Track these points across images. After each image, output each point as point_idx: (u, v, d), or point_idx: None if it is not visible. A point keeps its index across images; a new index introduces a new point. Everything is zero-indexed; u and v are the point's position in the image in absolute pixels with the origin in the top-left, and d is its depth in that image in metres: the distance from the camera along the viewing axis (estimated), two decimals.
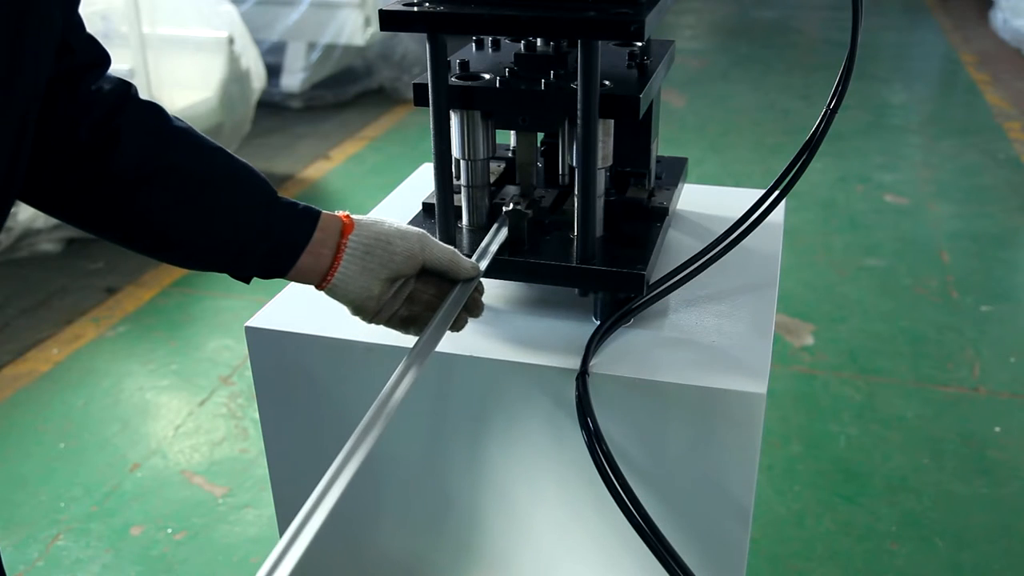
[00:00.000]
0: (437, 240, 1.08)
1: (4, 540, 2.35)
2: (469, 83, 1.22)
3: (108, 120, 0.93)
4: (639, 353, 1.17)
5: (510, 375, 1.16)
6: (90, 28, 0.94)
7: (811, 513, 2.39)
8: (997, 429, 2.69)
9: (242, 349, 3.03)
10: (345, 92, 5.80)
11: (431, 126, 1.22)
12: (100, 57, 0.95)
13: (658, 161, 1.51)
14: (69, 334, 3.26)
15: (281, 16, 5.47)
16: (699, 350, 1.17)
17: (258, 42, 4.76)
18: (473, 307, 1.11)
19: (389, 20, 1.15)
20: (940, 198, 4.29)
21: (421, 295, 1.08)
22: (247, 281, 1.04)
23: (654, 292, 1.22)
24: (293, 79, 5.52)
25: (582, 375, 1.12)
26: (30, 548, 2.33)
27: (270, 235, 0.99)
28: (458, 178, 1.30)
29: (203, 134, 1.01)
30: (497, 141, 1.32)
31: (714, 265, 1.26)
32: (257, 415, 1.35)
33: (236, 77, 4.34)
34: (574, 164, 1.18)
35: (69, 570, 2.27)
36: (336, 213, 1.04)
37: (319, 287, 1.04)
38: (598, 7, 1.09)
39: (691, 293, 1.29)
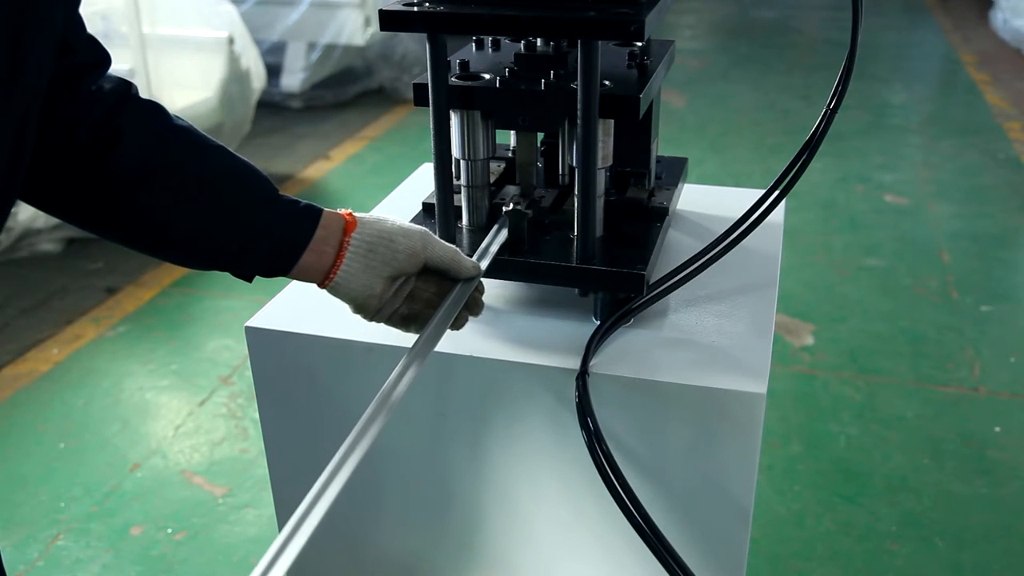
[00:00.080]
0: (439, 238, 1.08)
1: (4, 540, 2.35)
2: (469, 83, 1.22)
3: (109, 119, 0.93)
4: (639, 353, 1.17)
5: (510, 375, 1.16)
6: (90, 28, 0.94)
7: (811, 513, 2.39)
8: (997, 429, 2.69)
9: (242, 349, 3.03)
10: (345, 92, 5.80)
11: (431, 126, 1.22)
12: (101, 57, 0.95)
13: (658, 161, 1.51)
14: (69, 334, 3.26)
15: (281, 16, 5.47)
16: (699, 350, 1.17)
17: (258, 42, 4.76)
18: (473, 306, 1.11)
19: (389, 20, 1.15)
20: (940, 198, 4.29)
21: (422, 293, 1.08)
22: (249, 280, 1.04)
23: (654, 292, 1.22)
24: (293, 79, 5.52)
25: (582, 375, 1.12)
26: (30, 548, 2.33)
27: (272, 233, 0.99)
28: (458, 178, 1.30)
29: (204, 133, 1.01)
30: (497, 141, 1.32)
31: (714, 265, 1.26)
32: (257, 415, 1.35)
33: (236, 77, 4.34)
34: (574, 164, 1.18)
35: (69, 570, 2.27)
36: (338, 211, 1.04)
37: (321, 285, 1.04)
38: (598, 7, 1.09)
39: (691, 293, 1.29)
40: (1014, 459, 2.56)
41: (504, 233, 1.23)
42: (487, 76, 1.25)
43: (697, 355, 1.16)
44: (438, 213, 1.28)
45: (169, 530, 2.39)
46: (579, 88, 1.12)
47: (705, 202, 1.57)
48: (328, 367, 1.24)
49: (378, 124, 5.45)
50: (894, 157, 4.80)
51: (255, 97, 4.58)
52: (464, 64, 1.27)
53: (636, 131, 1.36)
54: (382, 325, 1.10)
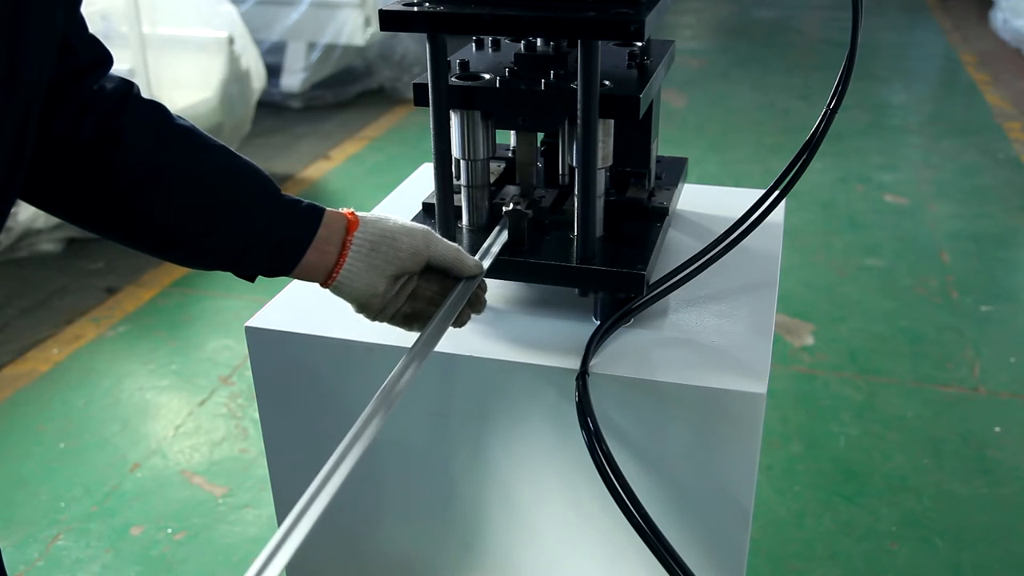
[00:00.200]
0: (441, 237, 1.08)
1: (4, 540, 2.35)
2: (469, 83, 1.22)
3: (111, 120, 0.93)
4: (639, 353, 1.17)
5: (510, 375, 1.16)
6: (90, 28, 0.94)
7: (811, 513, 2.39)
8: (997, 429, 2.69)
9: (242, 349, 3.03)
10: (345, 92, 5.80)
11: (431, 126, 1.22)
12: (102, 57, 0.95)
13: (658, 161, 1.51)
14: (69, 334, 3.26)
15: (281, 16, 5.47)
16: (699, 350, 1.17)
17: (258, 42, 4.76)
18: (476, 303, 1.11)
19: (389, 20, 1.15)
20: (940, 198, 4.29)
21: (424, 292, 1.08)
22: (252, 279, 1.04)
23: (654, 292, 1.22)
24: (293, 79, 5.52)
25: (582, 375, 1.12)
26: (30, 548, 2.33)
27: (274, 233, 0.99)
28: (458, 178, 1.30)
29: (206, 132, 1.01)
30: (497, 141, 1.32)
31: (714, 265, 1.26)
32: (257, 415, 1.35)
33: (236, 77, 4.34)
34: (574, 164, 1.18)
35: (69, 570, 2.28)
36: (340, 210, 1.04)
37: (324, 285, 1.04)
38: (598, 7, 1.09)
39: (691, 293, 1.29)
40: (1014, 459, 2.56)
41: (504, 235, 1.23)
42: (487, 76, 1.25)
43: (697, 355, 1.16)
44: (438, 213, 1.28)
45: (169, 530, 2.39)
46: (579, 88, 1.12)
47: (705, 202, 1.57)
48: (328, 367, 1.24)
49: (378, 124, 5.45)
50: (894, 157, 4.80)
51: (255, 97, 4.58)
52: (464, 64, 1.27)
53: (636, 131, 1.36)
54: (382, 325, 1.10)
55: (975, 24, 7.49)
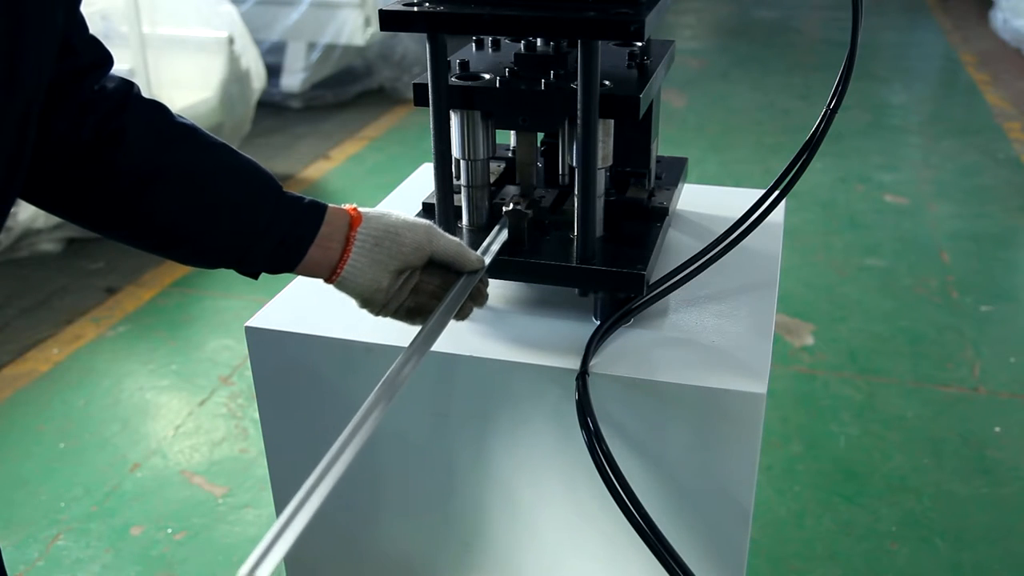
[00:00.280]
0: (443, 232, 1.09)
1: (4, 540, 2.35)
2: (469, 83, 1.22)
3: (111, 119, 0.93)
4: (639, 353, 1.17)
5: (510, 375, 1.16)
6: (90, 28, 0.95)
7: (811, 513, 2.39)
8: (997, 429, 2.69)
9: (242, 349, 3.03)
10: (345, 92, 5.80)
11: (431, 126, 1.22)
12: (103, 57, 0.95)
13: (658, 161, 1.51)
14: (69, 334, 3.26)
15: (281, 16, 5.47)
16: (699, 350, 1.17)
17: (258, 42, 4.76)
18: (478, 296, 1.11)
19: (389, 20, 1.15)
20: (940, 198, 4.29)
21: (427, 286, 1.09)
22: (255, 277, 1.04)
23: (654, 292, 1.22)
24: (293, 79, 5.52)
25: (582, 375, 1.12)
26: (30, 548, 2.33)
27: (276, 231, 1.00)
28: (458, 178, 1.30)
29: (207, 131, 1.01)
30: (497, 141, 1.32)
31: (714, 265, 1.26)
32: (257, 415, 1.35)
33: (236, 77, 4.34)
34: (574, 164, 1.18)
35: (69, 570, 2.27)
36: (343, 206, 1.05)
37: (328, 280, 1.04)
38: (598, 7, 1.09)
39: (691, 293, 1.29)
40: (1014, 459, 2.56)
41: (505, 234, 1.23)
42: (487, 76, 1.25)
43: (697, 355, 1.16)
44: (438, 213, 1.28)
45: (169, 530, 2.39)
46: (579, 88, 1.12)
47: (705, 202, 1.57)
48: (328, 367, 1.24)
49: (378, 124, 5.45)
50: (894, 157, 4.80)
51: (255, 97, 4.58)
52: (464, 64, 1.27)
53: (636, 131, 1.36)
54: (382, 325, 1.10)
55: (975, 24, 7.49)
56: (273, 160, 4.83)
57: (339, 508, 1.31)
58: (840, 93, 1.16)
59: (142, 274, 3.65)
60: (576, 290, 1.27)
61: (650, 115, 1.35)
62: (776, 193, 1.24)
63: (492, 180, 1.37)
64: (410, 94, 1.38)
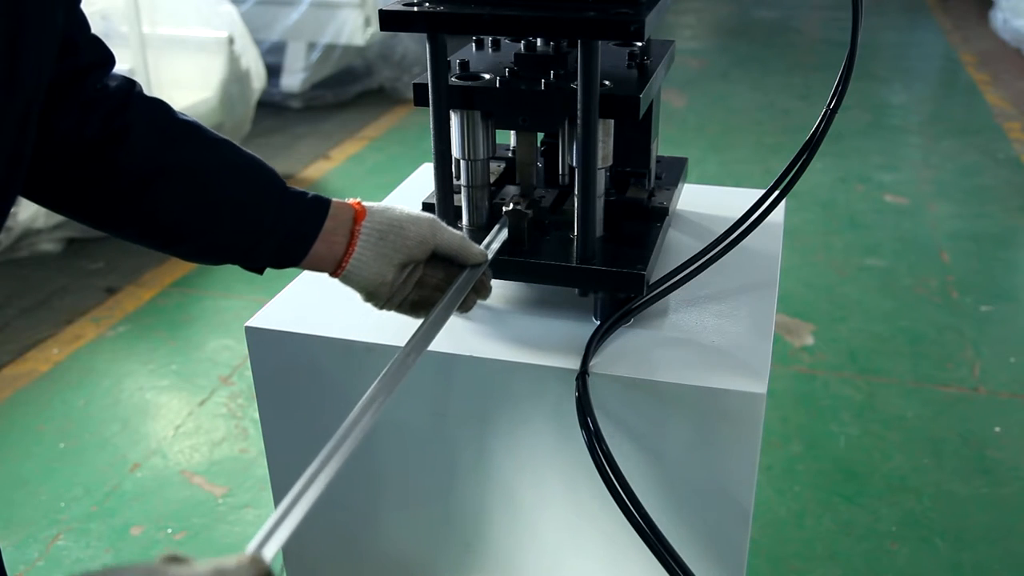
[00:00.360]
0: (446, 226, 1.09)
1: (4, 540, 2.35)
2: (469, 83, 1.22)
3: (115, 117, 0.93)
4: (639, 353, 1.17)
5: (510, 375, 1.16)
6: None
7: (811, 513, 2.39)
8: (997, 429, 2.69)
9: (242, 349, 3.03)
10: (345, 92, 5.80)
11: (431, 126, 1.22)
12: (105, 56, 0.96)
13: (658, 161, 1.51)
14: (69, 334, 3.26)
15: (281, 16, 5.47)
16: (699, 350, 1.17)
17: (258, 42, 4.76)
18: (482, 289, 1.12)
19: (389, 20, 1.15)
20: (940, 198, 4.29)
21: (430, 279, 1.09)
22: (260, 272, 1.05)
23: (654, 292, 1.22)
24: (293, 79, 5.52)
25: (582, 375, 1.12)
26: (30, 548, 2.33)
27: (280, 226, 1.00)
28: (458, 178, 1.30)
29: (209, 128, 1.01)
30: (497, 141, 1.32)
31: (714, 265, 1.26)
32: (257, 415, 1.35)
33: (236, 77, 4.34)
34: (574, 164, 1.18)
35: (69, 570, 2.27)
36: (347, 200, 1.05)
37: (333, 274, 1.05)
38: (598, 7, 1.09)
39: (691, 293, 1.29)
40: (1014, 459, 2.56)
41: (504, 233, 1.23)
42: (487, 76, 1.25)
43: (697, 355, 1.16)
44: (438, 213, 1.28)
45: (169, 530, 2.39)
46: (579, 88, 1.12)
47: (705, 202, 1.57)
48: (328, 367, 1.24)
49: (378, 124, 5.45)
50: (894, 157, 4.80)
51: (255, 97, 4.58)
52: (464, 64, 1.27)
53: (636, 131, 1.36)
54: (383, 325, 1.10)
55: (975, 24, 7.49)
56: (273, 160, 4.76)
57: (339, 508, 1.31)
58: (840, 93, 1.16)
59: (142, 274, 3.65)
60: (576, 290, 1.27)
61: (650, 115, 1.35)
62: (776, 193, 1.24)
63: (492, 180, 1.37)
64: (410, 94, 1.38)
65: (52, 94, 0.87)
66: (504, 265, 1.21)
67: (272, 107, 5.45)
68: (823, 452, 2.60)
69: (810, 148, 1.19)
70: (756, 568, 2.21)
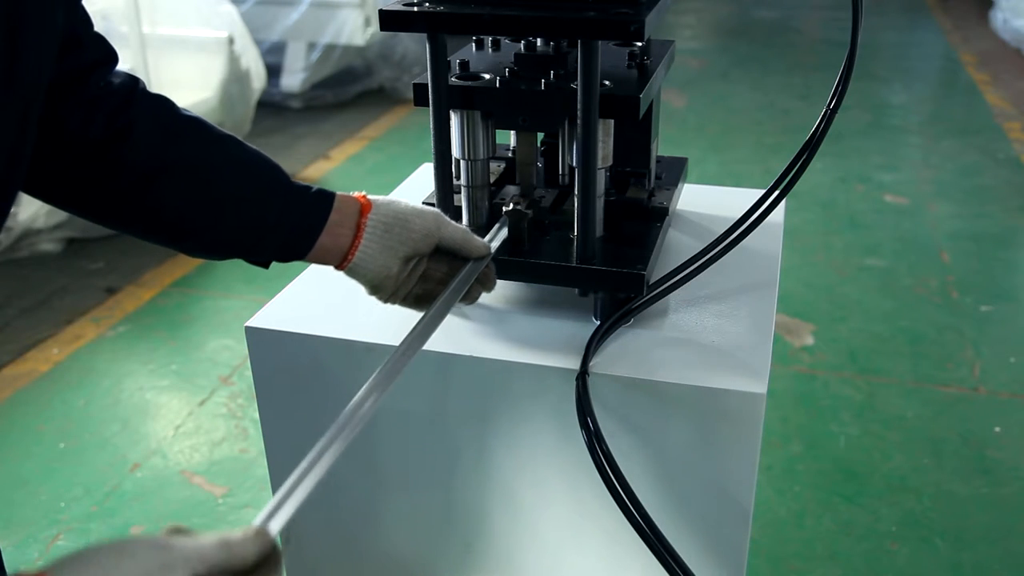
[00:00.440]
0: (450, 220, 1.09)
1: (4, 540, 2.35)
2: (469, 83, 1.22)
3: (119, 114, 0.94)
4: (639, 353, 1.17)
5: (510, 375, 1.16)
6: None
7: (811, 513, 2.39)
8: (997, 429, 2.69)
9: (242, 349, 3.03)
10: (345, 92, 5.80)
11: (431, 126, 1.22)
12: (108, 53, 0.96)
13: (658, 161, 1.51)
14: (69, 334, 3.26)
15: (281, 16, 5.47)
16: (699, 350, 1.17)
17: (258, 42, 4.76)
18: (486, 281, 1.12)
19: (389, 20, 1.15)
20: (940, 198, 4.29)
21: (434, 273, 1.09)
22: (266, 266, 1.05)
23: (654, 292, 1.22)
24: (293, 79, 5.52)
25: (582, 375, 1.12)
26: (30, 548, 2.33)
27: (285, 221, 1.01)
28: (458, 178, 1.30)
29: (212, 124, 1.01)
30: (497, 141, 1.32)
31: (714, 265, 1.26)
32: (257, 415, 1.35)
33: (236, 77, 4.34)
34: (574, 164, 1.18)
35: None
36: (352, 194, 1.05)
37: (339, 267, 1.05)
38: (598, 7, 1.09)
39: (691, 293, 1.29)
40: (1014, 459, 2.56)
41: (504, 233, 1.23)
42: (487, 76, 1.25)
43: (697, 355, 1.16)
44: None
45: None
46: (579, 88, 1.12)
47: (705, 202, 1.57)
48: (328, 367, 1.24)
49: (378, 124, 5.45)
50: (894, 157, 4.80)
51: (255, 97, 4.58)
52: (464, 64, 1.27)
53: (636, 131, 1.36)
54: (383, 324, 1.10)
55: (975, 24, 7.49)
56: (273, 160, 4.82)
57: (339, 507, 1.31)
58: (840, 93, 1.16)
59: (142, 274, 3.65)
60: (576, 290, 1.27)
61: (650, 115, 1.35)
62: (776, 193, 1.24)
63: (492, 180, 1.37)
64: (410, 94, 1.38)
65: (57, 92, 0.87)
66: (504, 265, 1.21)
67: (272, 107, 5.45)
68: (823, 452, 2.60)
69: (810, 148, 1.19)
70: (756, 568, 2.21)
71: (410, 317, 1.05)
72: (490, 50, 1.38)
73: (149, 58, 3.98)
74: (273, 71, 5.22)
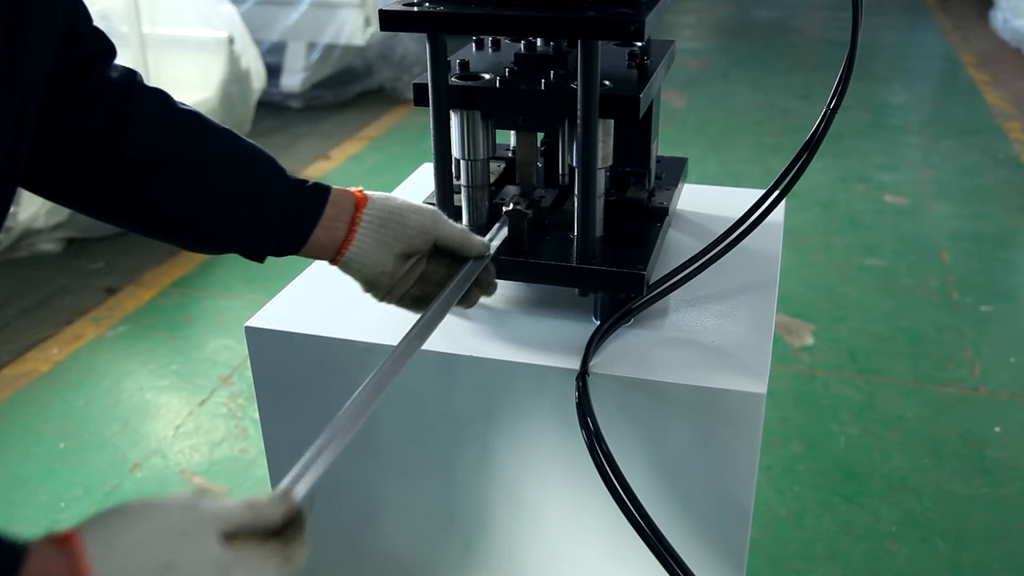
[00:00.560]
0: (448, 218, 1.09)
1: None
2: (469, 83, 1.23)
3: (117, 108, 0.94)
4: (639, 353, 1.17)
5: (510, 375, 1.16)
6: None
7: (811, 513, 2.39)
8: (997, 429, 2.69)
9: (242, 349, 3.03)
10: (345, 92, 5.80)
11: (431, 126, 1.22)
12: (107, 47, 0.97)
13: (658, 161, 1.51)
14: (69, 334, 3.26)
15: (281, 16, 5.47)
16: (699, 350, 1.17)
17: (258, 42, 4.76)
18: (486, 284, 1.11)
19: (389, 20, 1.15)
20: (940, 198, 4.29)
21: (433, 275, 1.09)
22: (261, 260, 1.05)
23: (654, 292, 1.22)
24: (293, 79, 5.52)
25: (582, 375, 1.12)
26: None
27: (281, 214, 1.01)
28: (458, 178, 1.30)
29: (210, 117, 1.02)
30: (497, 141, 1.32)
31: (714, 265, 1.26)
32: (257, 415, 1.35)
33: (236, 77, 4.34)
34: (574, 164, 1.18)
35: None
36: (349, 189, 1.05)
37: (333, 262, 1.05)
38: (598, 7, 1.09)
39: (691, 293, 1.29)
40: (1014, 459, 2.56)
41: (504, 233, 1.23)
42: (487, 76, 1.25)
43: (697, 355, 1.16)
44: None
45: None
46: (579, 88, 1.12)
47: (705, 202, 1.57)
48: (328, 367, 1.24)
49: (378, 124, 5.45)
50: (894, 157, 4.80)
51: (255, 97, 4.58)
52: (464, 64, 1.27)
53: (636, 131, 1.36)
54: (382, 324, 1.10)
55: (975, 24, 7.49)
56: None
57: (340, 507, 1.31)
58: (840, 93, 1.16)
59: (142, 274, 3.65)
60: (576, 290, 1.27)
61: (650, 115, 1.35)
62: (776, 193, 1.24)
63: (492, 180, 1.37)
64: (410, 94, 1.38)
65: (58, 87, 0.88)
66: (504, 265, 1.21)
67: (272, 107, 5.45)
68: (823, 452, 2.60)
69: (810, 148, 1.19)
70: (756, 568, 2.21)
71: (410, 317, 1.05)
72: (490, 50, 1.38)
73: (149, 58, 3.98)
74: (273, 71, 5.22)
